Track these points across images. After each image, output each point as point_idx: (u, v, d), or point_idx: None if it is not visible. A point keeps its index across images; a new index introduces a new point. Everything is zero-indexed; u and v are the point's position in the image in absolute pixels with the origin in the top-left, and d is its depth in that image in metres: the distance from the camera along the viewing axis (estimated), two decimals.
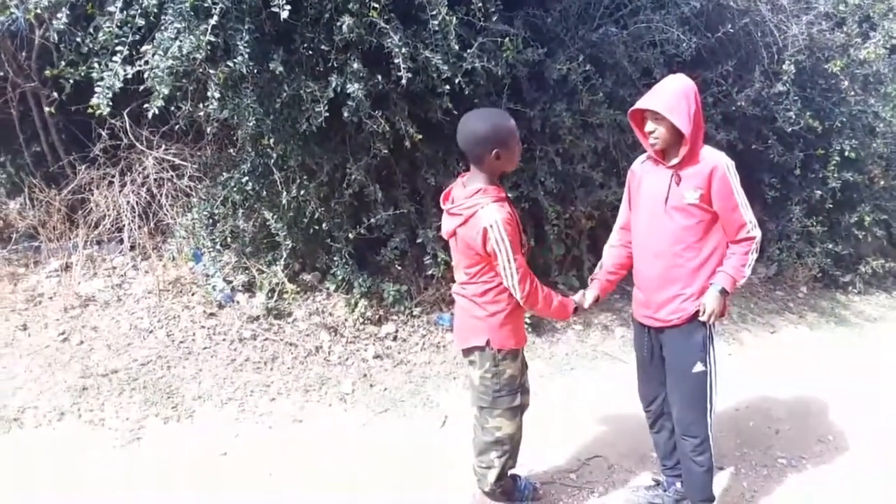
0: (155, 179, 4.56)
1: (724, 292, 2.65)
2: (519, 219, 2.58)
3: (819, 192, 5.73)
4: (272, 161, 4.21)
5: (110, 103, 3.50)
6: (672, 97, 2.58)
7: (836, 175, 5.54)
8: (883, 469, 3.46)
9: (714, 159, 2.62)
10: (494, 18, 3.90)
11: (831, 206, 5.77)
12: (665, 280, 2.72)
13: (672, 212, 2.66)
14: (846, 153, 5.49)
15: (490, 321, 2.63)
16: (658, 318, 2.77)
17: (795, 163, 5.54)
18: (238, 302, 4.43)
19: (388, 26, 3.64)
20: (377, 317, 4.54)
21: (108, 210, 4.54)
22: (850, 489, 3.30)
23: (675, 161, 2.63)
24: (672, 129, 2.58)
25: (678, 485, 3.01)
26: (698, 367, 2.69)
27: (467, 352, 2.74)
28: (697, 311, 2.66)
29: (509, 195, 2.85)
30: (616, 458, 3.43)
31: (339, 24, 3.63)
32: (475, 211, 2.48)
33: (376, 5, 3.61)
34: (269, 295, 4.43)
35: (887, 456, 3.57)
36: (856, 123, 5.70)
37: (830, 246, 5.82)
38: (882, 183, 6.06)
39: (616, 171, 4.85)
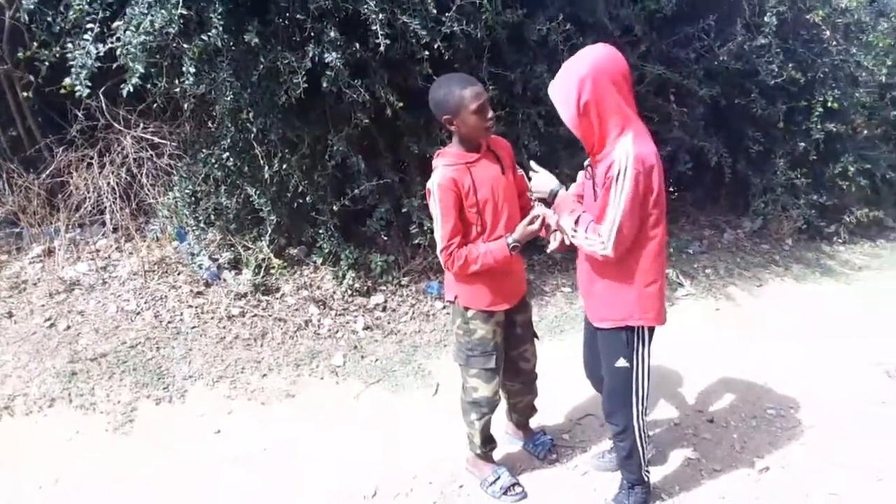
0: (134, 159, 4.48)
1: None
2: (474, 182, 2.55)
3: (803, 144, 5.73)
4: (252, 135, 4.14)
5: (88, 84, 3.43)
6: (562, 78, 2.32)
7: (819, 126, 5.54)
8: (869, 416, 3.51)
9: (616, 153, 2.26)
10: None
11: (815, 157, 5.77)
12: (585, 274, 2.61)
13: (595, 206, 2.44)
14: (829, 104, 5.48)
15: (455, 276, 2.70)
16: (587, 312, 2.72)
17: (779, 116, 5.54)
18: (225, 279, 4.41)
19: None
20: (365, 288, 4.53)
21: (88, 192, 4.46)
22: (837, 439, 3.34)
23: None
24: None
25: None
26: (621, 363, 2.58)
27: (448, 305, 2.80)
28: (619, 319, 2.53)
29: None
30: None
31: None
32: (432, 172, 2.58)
33: None
34: (256, 271, 4.40)
35: (872, 403, 3.62)
36: (838, 74, 5.68)
37: (815, 197, 5.84)
38: (865, 132, 6.07)
39: None
